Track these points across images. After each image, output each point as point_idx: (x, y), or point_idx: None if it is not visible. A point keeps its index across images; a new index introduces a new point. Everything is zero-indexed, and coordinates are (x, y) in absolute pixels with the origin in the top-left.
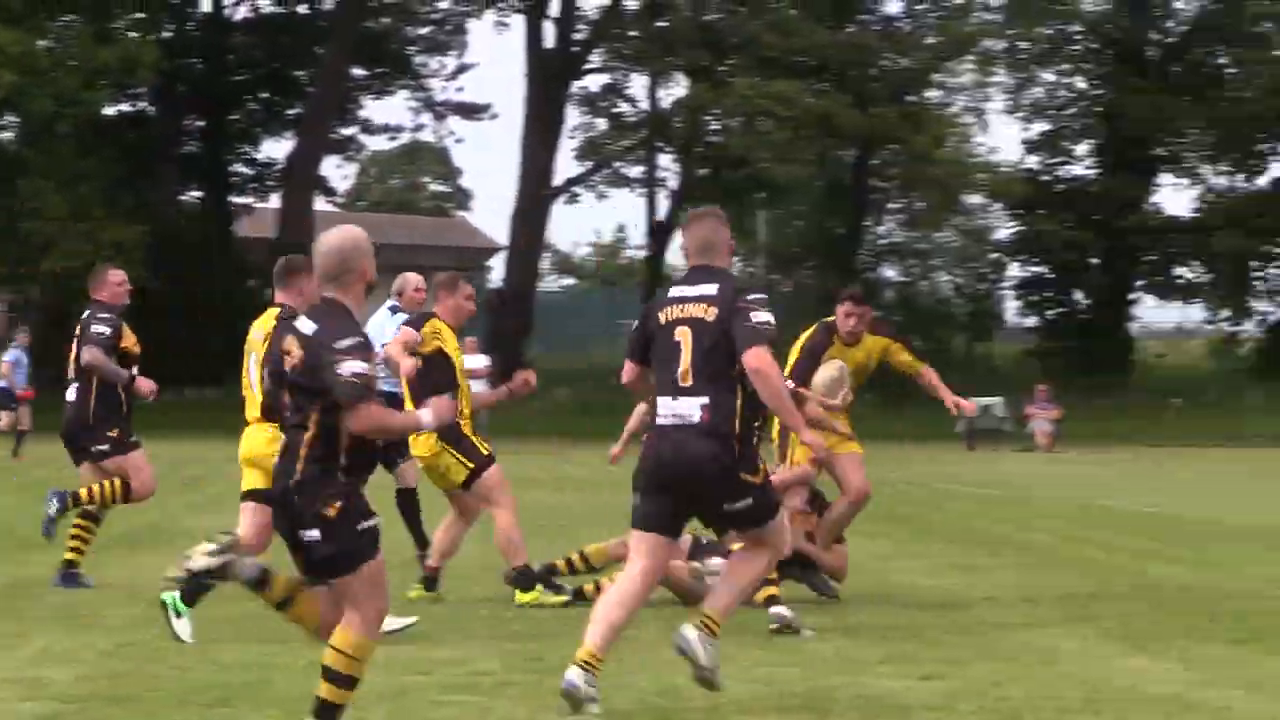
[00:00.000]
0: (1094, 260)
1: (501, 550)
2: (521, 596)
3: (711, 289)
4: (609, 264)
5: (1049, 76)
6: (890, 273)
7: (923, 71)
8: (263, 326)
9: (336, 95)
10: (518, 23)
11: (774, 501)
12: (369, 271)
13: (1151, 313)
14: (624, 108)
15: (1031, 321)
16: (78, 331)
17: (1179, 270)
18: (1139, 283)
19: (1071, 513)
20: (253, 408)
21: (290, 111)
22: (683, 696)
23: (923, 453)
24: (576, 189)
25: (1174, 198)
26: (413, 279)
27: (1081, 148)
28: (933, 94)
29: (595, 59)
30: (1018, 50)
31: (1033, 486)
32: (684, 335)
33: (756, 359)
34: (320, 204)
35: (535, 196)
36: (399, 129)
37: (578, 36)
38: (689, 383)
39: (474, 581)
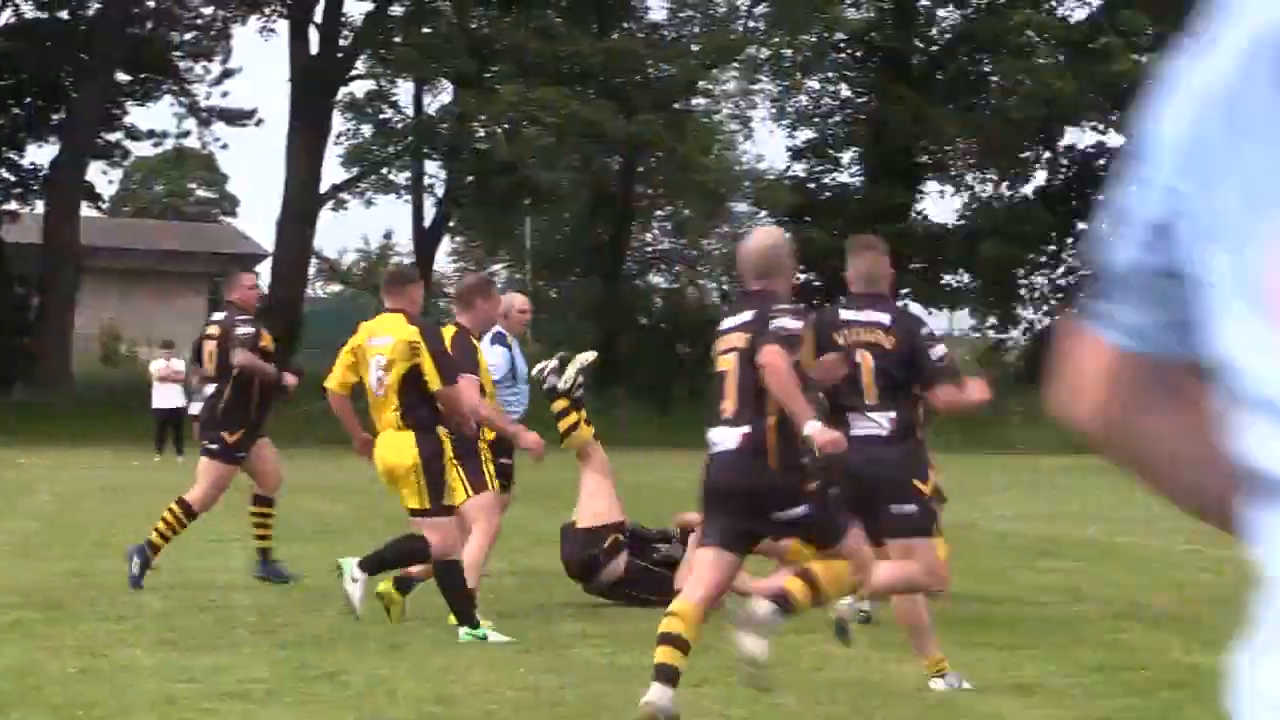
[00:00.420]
0: None
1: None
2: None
3: (885, 317)
4: (377, 270)
5: (814, 84)
6: (657, 280)
7: (688, 79)
8: (394, 333)
9: (101, 101)
10: (284, 29)
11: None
12: (791, 269)
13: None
14: (390, 114)
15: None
16: (214, 334)
17: (946, 278)
18: (906, 290)
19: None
20: (387, 412)
21: (55, 117)
22: (459, 705)
23: (687, 456)
24: (344, 195)
25: (941, 205)
26: (518, 300)
27: (847, 155)
28: (699, 101)
29: (361, 66)
30: (783, 58)
31: None
32: (864, 358)
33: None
34: (86, 210)
35: (301, 203)
36: (164, 135)
37: (343, 43)
38: (873, 401)
39: (243, 590)
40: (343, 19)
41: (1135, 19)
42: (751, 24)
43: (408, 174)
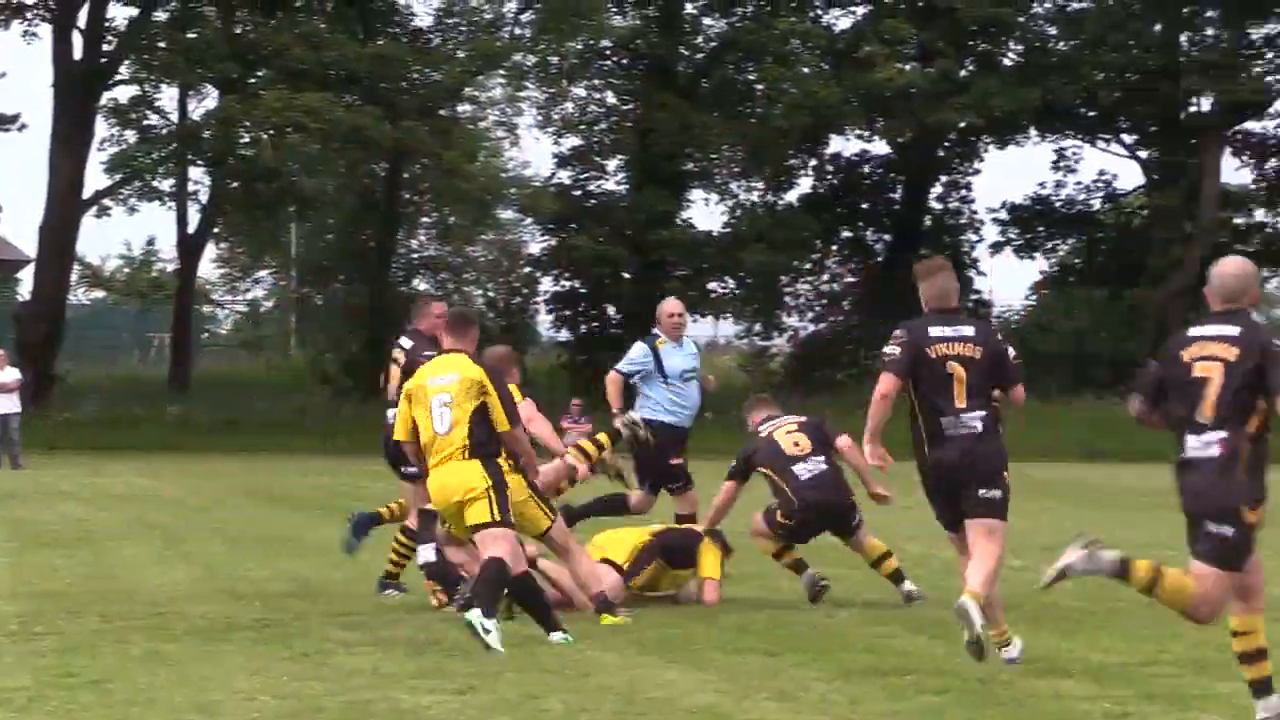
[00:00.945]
0: (626, 275)
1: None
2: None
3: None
4: (140, 277)
5: (580, 91)
6: (424, 286)
7: (454, 85)
8: (461, 371)
9: None
10: (47, 33)
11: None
12: (1257, 295)
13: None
14: (154, 120)
15: (564, 336)
16: (398, 360)
17: (711, 284)
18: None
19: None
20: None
21: None
22: (221, 712)
23: None
24: (107, 202)
25: (706, 213)
26: (667, 305)
27: (613, 163)
28: (464, 108)
29: (125, 71)
30: (549, 65)
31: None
32: (955, 369)
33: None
34: None
35: (64, 209)
36: None
37: (107, 48)
38: (964, 404)
39: (6, 598)
40: (106, 23)
41: (898, 28)
42: (518, 31)
43: (172, 180)
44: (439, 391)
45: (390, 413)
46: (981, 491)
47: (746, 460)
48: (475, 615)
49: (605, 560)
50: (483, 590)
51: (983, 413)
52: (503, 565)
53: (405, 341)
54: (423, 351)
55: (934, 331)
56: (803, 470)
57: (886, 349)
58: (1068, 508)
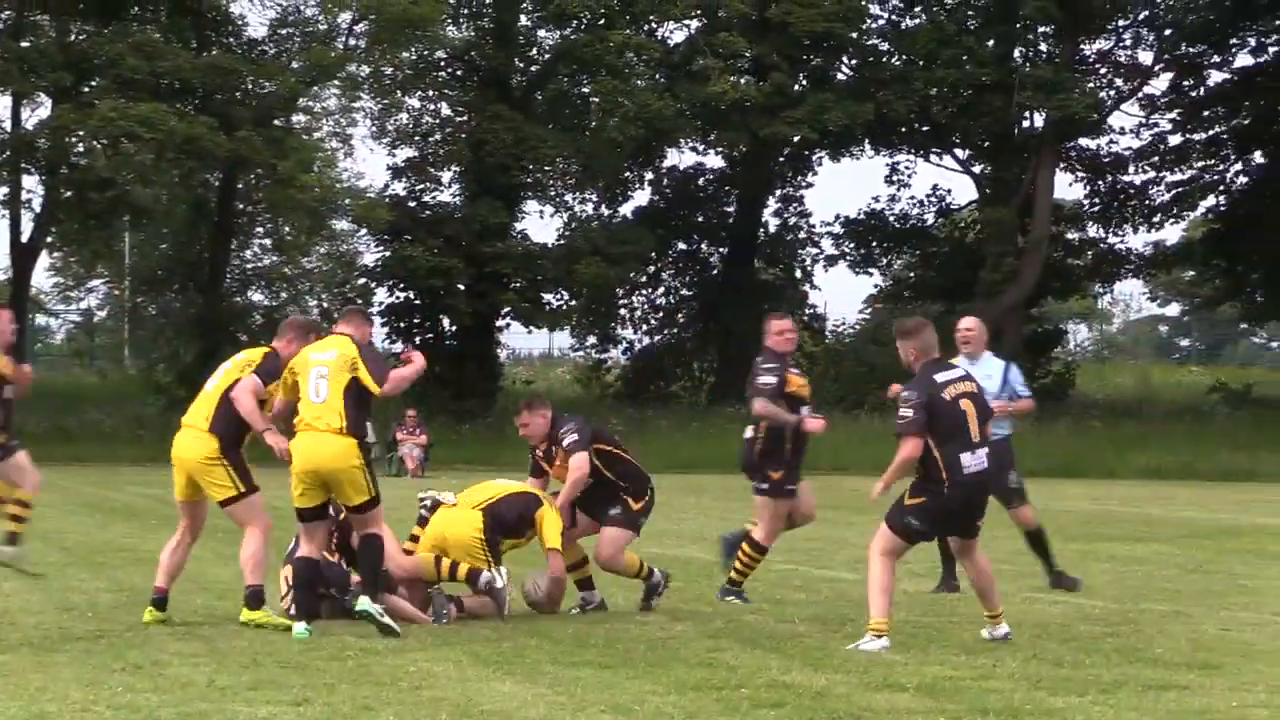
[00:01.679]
0: (461, 286)
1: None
2: (247, 614)
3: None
4: None
5: (414, 103)
6: (258, 297)
7: (288, 96)
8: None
9: None
10: None
11: None
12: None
13: (519, 339)
14: None
15: (399, 347)
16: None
17: (546, 297)
18: (506, 310)
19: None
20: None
21: None
22: None
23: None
24: None
25: (541, 225)
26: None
27: (448, 174)
28: (299, 119)
29: None
30: (383, 76)
31: (402, 509)
32: (968, 406)
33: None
34: None
35: None
36: None
37: None
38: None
39: None
40: None
41: (732, 42)
42: (352, 41)
43: (5, 188)
44: (318, 365)
45: (747, 430)
46: (981, 519)
47: None
48: (365, 603)
49: (439, 557)
50: (368, 574)
51: (986, 445)
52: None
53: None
54: (760, 369)
55: (939, 378)
56: None
57: (903, 414)
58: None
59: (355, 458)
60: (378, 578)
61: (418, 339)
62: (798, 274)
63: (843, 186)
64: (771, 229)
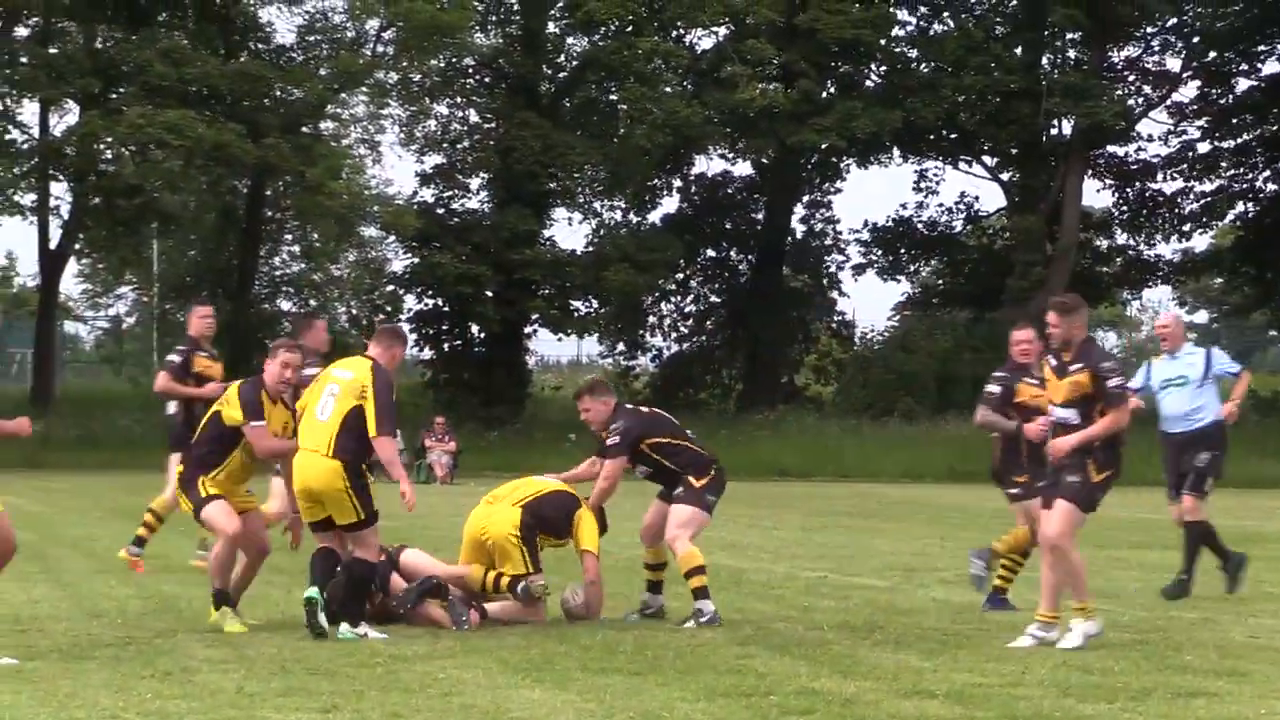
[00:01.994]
0: (489, 293)
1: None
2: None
3: None
4: (0, 292)
5: (443, 109)
6: (287, 304)
7: (316, 102)
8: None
9: None
10: None
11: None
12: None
13: (547, 346)
14: (15, 135)
15: (428, 355)
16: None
17: (575, 304)
18: (535, 316)
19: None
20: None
21: None
22: None
23: None
24: None
25: (569, 232)
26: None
27: (476, 181)
28: (327, 125)
29: None
30: (411, 83)
31: (430, 518)
32: None
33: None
34: None
35: None
36: None
37: None
38: None
39: None
40: None
41: (760, 49)
42: (380, 48)
43: (34, 195)
44: (333, 382)
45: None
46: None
47: None
48: (345, 630)
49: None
50: (347, 597)
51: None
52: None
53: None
54: (989, 379)
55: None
56: None
57: (1116, 379)
58: (930, 528)
59: (341, 480)
60: (360, 606)
61: (446, 346)
62: (825, 281)
63: (871, 194)
64: (799, 236)
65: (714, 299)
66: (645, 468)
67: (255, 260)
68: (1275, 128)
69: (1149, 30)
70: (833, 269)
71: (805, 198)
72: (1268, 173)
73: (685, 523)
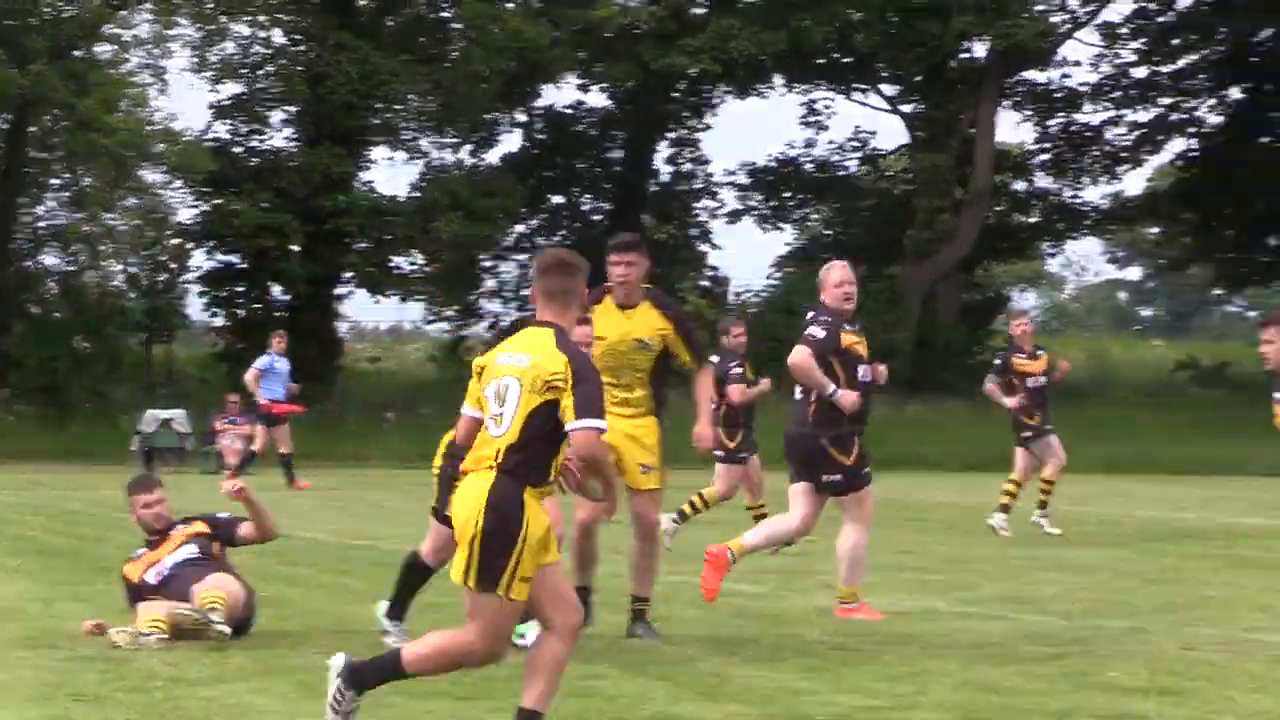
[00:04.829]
0: (295, 247)
1: None
2: None
3: None
4: None
5: (242, 29)
6: (52, 260)
7: (91, 22)
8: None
9: None
10: None
11: None
12: None
13: (364, 310)
14: None
15: (221, 321)
16: None
17: (397, 260)
18: (350, 275)
19: (264, 547)
20: None
21: None
22: None
23: (90, 475)
24: None
25: (391, 175)
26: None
27: (279, 115)
28: (103, 49)
29: None
30: None
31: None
32: None
33: None
34: None
35: None
36: None
37: None
38: None
39: None
40: None
41: None
42: None
43: None
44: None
45: None
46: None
47: None
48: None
49: None
50: None
51: None
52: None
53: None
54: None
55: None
56: None
57: None
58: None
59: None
60: None
61: (242, 311)
62: (694, 231)
63: (751, 130)
64: (664, 179)
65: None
66: None
67: (14, 209)
68: (1223, 49)
69: None
70: (703, 217)
71: (672, 134)
72: (1212, 101)
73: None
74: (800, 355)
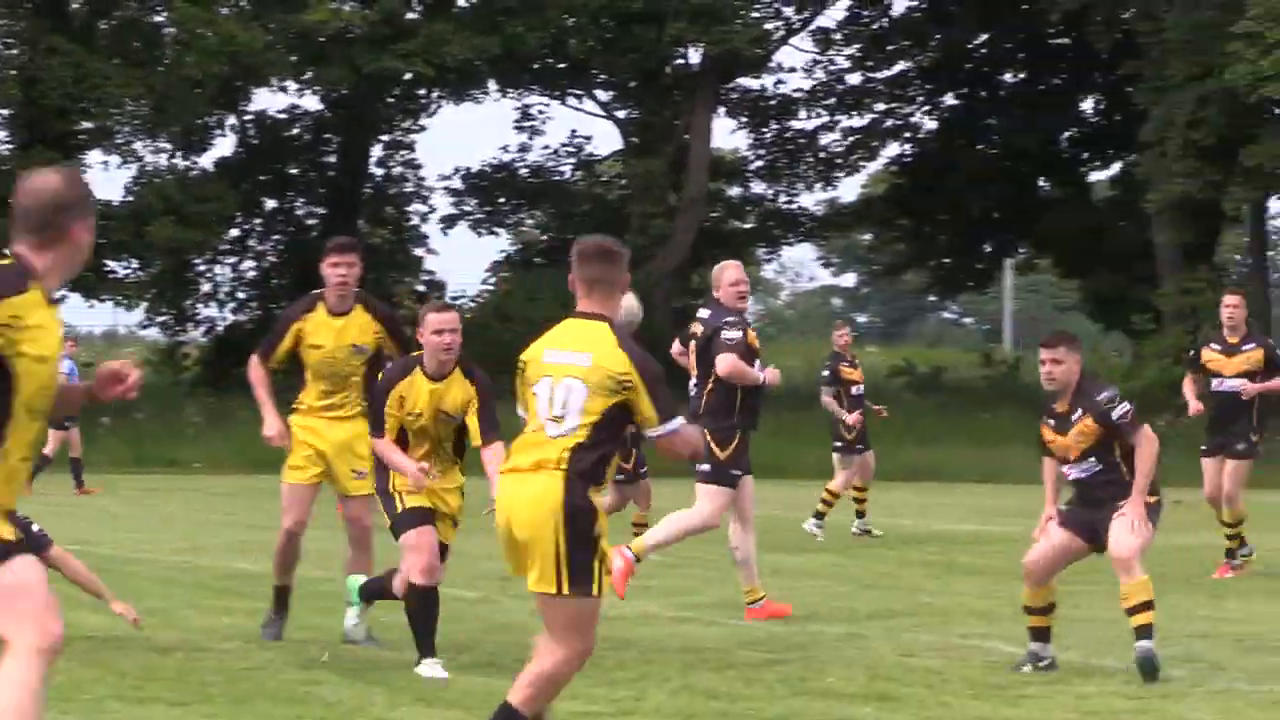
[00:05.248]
0: (5, 252)
1: None
2: None
3: None
4: None
5: None
6: None
7: None
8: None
9: None
10: None
11: None
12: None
13: (78, 315)
14: None
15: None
16: None
17: (112, 264)
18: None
19: None
20: None
21: None
22: None
23: None
24: None
25: (105, 179)
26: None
27: None
28: None
29: None
30: None
31: None
32: None
33: None
34: None
35: None
36: None
37: None
38: None
39: None
40: None
41: None
42: None
43: None
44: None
45: None
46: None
47: None
48: None
49: None
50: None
51: None
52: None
53: None
54: None
55: None
56: None
57: None
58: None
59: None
60: None
61: None
62: (410, 236)
63: (468, 135)
64: (379, 183)
65: (274, 259)
66: None
67: None
68: (937, 55)
69: None
70: (417, 222)
71: (386, 138)
72: (927, 107)
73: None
74: (729, 363)
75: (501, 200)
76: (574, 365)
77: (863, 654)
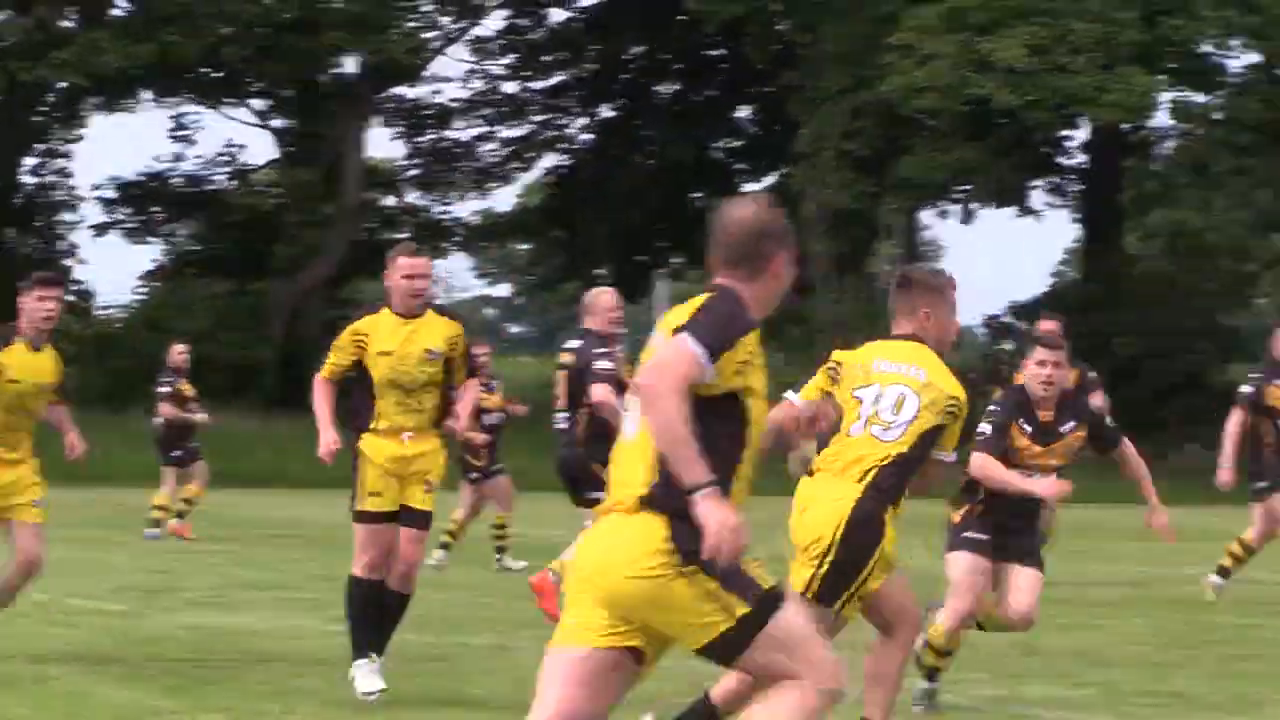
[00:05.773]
0: None
1: None
2: None
3: None
4: None
5: None
6: None
7: None
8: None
9: None
10: None
11: None
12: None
13: None
14: None
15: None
16: None
17: None
18: None
19: None
20: None
21: None
22: None
23: None
24: None
25: None
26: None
27: None
28: None
29: None
30: None
31: None
32: None
33: None
34: None
35: None
36: None
37: None
38: None
39: None
40: None
41: None
42: None
43: None
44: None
45: None
46: None
47: None
48: None
49: None
50: None
51: None
52: None
53: None
54: None
55: None
56: None
57: None
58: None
59: None
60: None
61: None
62: (61, 245)
63: (123, 144)
64: (31, 191)
65: None
66: None
67: None
68: (594, 66)
69: None
70: (66, 230)
71: (41, 146)
72: (584, 119)
73: None
74: (603, 393)
75: (155, 209)
76: (910, 377)
77: (510, 664)
